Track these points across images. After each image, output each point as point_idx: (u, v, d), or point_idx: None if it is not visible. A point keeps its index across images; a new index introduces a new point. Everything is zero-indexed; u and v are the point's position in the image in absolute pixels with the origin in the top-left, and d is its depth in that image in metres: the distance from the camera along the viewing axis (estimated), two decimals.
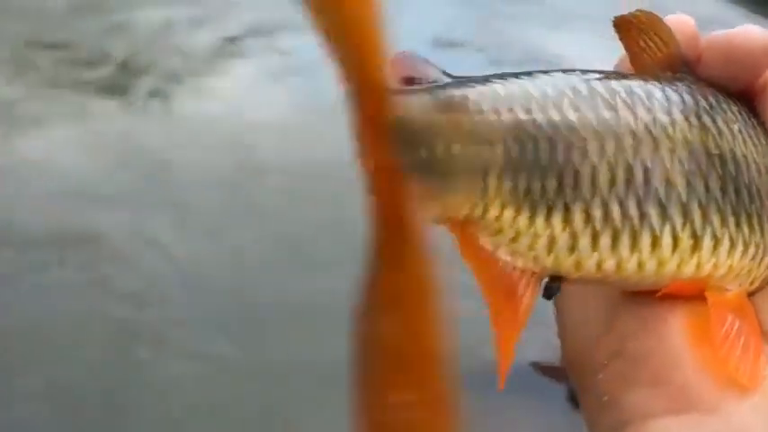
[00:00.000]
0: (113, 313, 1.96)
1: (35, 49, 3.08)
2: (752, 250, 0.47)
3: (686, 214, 0.44)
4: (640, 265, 0.44)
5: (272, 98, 2.86)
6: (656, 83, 0.46)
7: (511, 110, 0.41)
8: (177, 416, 1.75)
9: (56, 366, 1.83)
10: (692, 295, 0.46)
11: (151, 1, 3.42)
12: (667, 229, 0.44)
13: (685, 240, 0.44)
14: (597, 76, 0.45)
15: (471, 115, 0.41)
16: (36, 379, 1.80)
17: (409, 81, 0.41)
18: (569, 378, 0.51)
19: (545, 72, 0.45)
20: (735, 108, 0.49)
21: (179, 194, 2.35)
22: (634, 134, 0.43)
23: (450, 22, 3.61)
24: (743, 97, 0.50)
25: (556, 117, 0.42)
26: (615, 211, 0.43)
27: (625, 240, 0.43)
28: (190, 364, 1.86)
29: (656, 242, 0.44)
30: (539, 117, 0.41)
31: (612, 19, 0.47)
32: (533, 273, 0.42)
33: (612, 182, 0.42)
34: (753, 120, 0.49)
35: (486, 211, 0.41)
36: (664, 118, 0.45)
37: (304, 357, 1.85)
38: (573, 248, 0.42)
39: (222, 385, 1.83)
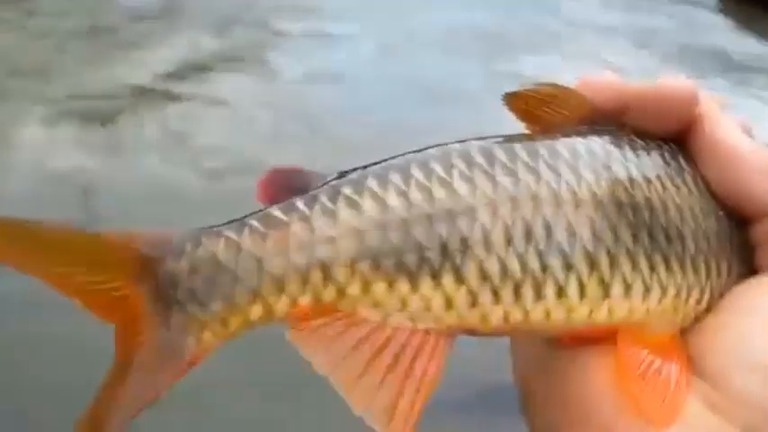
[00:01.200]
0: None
1: None
2: (671, 291, 0.49)
3: (593, 263, 0.47)
4: (547, 313, 0.46)
5: None
6: (565, 140, 0.50)
7: (376, 199, 0.45)
8: None
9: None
10: (607, 339, 0.48)
11: None
12: (573, 278, 0.46)
13: (593, 288, 0.47)
14: (500, 141, 0.49)
15: (297, 226, 0.44)
16: None
17: (284, 195, 0.45)
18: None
19: (443, 145, 0.48)
20: (659, 153, 0.52)
21: None
22: (534, 195, 0.47)
23: None
24: (675, 141, 0.53)
25: (438, 194, 0.45)
26: (514, 265, 0.45)
27: (528, 291, 0.46)
28: None
29: (561, 291, 0.46)
30: (414, 198, 0.45)
31: (503, 96, 0.49)
32: (439, 332, 0.45)
33: (509, 241, 0.46)
34: (681, 163, 0.52)
35: (341, 294, 0.44)
36: (568, 176, 0.48)
37: None
38: (474, 304, 0.45)
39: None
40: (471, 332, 0.46)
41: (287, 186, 0.45)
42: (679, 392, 0.47)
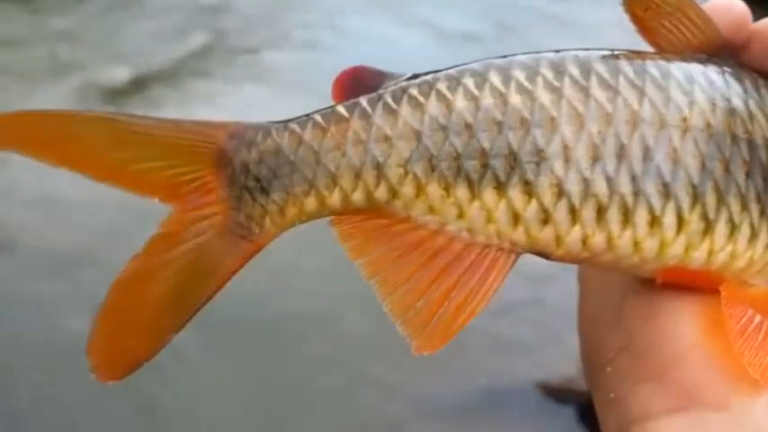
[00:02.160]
0: None
1: None
2: None
3: (697, 196, 0.42)
4: (636, 243, 0.42)
5: None
6: (680, 64, 0.45)
7: (443, 101, 0.43)
8: None
9: None
10: (704, 287, 0.43)
11: None
12: (670, 207, 0.42)
13: (694, 222, 0.42)
14: (604, 55, 0.45)
15: (356, 123, 0.43)
16: None
17: (357, 93, 0.44)
18: (584, 377, 0.49)
19: (537, 53, 0.45)
20: (753, 85, 0.46)
21: None
22: (633, 114, 0.43)
23: None
24: None
25: (514, 100, 0.43)
26: (599, 185, 0.42)
27: (614, 215, 0.42)
28: None
29: (654, 220, 0.42)
30: (485, 103, 0.43)
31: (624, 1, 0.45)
32: (500, 249, 0.43)
33: (595, 158, 0.42)
34: None
35: (394, 194, 0.43)
36: (680, 99, 0.43)
37: None
38: (546, 221, 0.42)
39: None
40: (541, 254, 0.43)
41: (362, 85, 0.44)
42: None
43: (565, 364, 2.19)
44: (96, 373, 0.42)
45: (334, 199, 0.43)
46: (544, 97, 0.43)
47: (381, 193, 0.43)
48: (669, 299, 0.44)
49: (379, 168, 0.43)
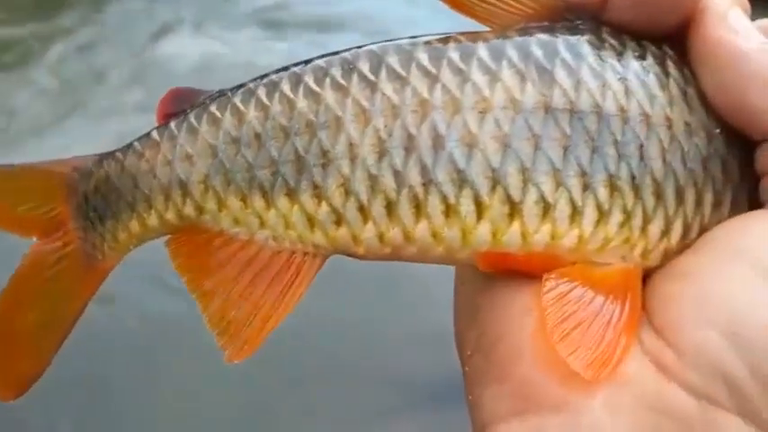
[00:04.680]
0: None
1: None
2: (615, 218, 0.41)
3: (497, 179, 0.41)
4: (435, 234, 0.41)
5: None
6: (494, 41, 0.43)
7: (237, 115, 0.44)
8: None
9: None
10: (538, 272, 0.41)
11: None
12: (467, 194, 0.41)
13: (495, 206, 0.41)
14: (403, 44, 0.43)
15: (165, 145, 0.45)
16: None
17: (172, 115, 0.46)
18: None
19: (337, 53, 0.44)
20: (636, 54, 0.43)
21: None
22: (423, 102, 0.42)
23: None
24: (671, 43, 0.44)
25: (300, 105, 0.43)
26: (386, 180, 0.41)
27: (405, 208, 0.41)
28: None
29: (450, 209, 0.41)
30: (273, 111, 0.43)
31: None
32: (306, 253, 0.43)
33: (381, 154, 0.41)
34: (668, 68, 0.43)
35: (201, 211, 0.44)
36: (480, 79, 0.41)
37: None
38: (339, 222, 0.42)
39: None
40: (346, 254, 0.43)
41: (181, 106, 0.46)
42: (616, 343, 0.39)
43: None
44: None
45: (153, 220, 0.45)
46: (330, 98, 0.42)
47: (189, 210, 0.44)
48: (511, 289, 0.41)
49: (183, 187, 0.44)
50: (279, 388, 1.62)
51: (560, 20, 0.44)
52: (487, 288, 0.42)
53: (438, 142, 0.41)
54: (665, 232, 0.42)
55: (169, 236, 0.45)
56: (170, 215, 0.45)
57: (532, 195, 0.41)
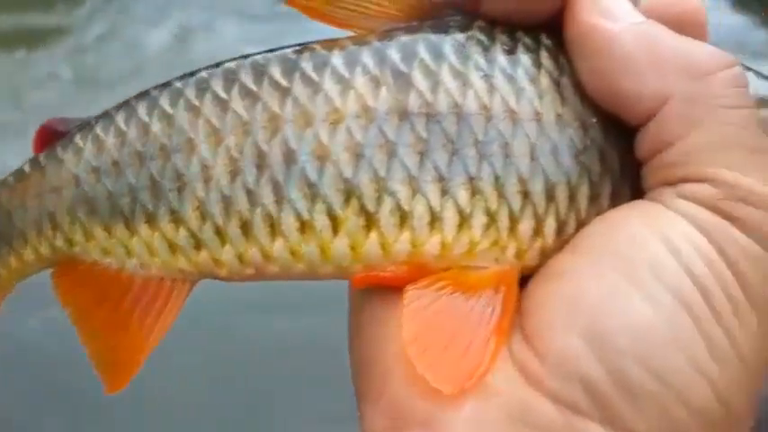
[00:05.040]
0: None
1: None
2: (480, 220, 0.40)
3: (350, 191, 0.39)
4: (293, 251, 0.40)
5: None
6: (351, 47, 0.41)
7: (96, 143, 0.43)
8: None
9: None
10: (407, 282, 0.39)
11: None
12: (320, 208, 0.40)
13: (351, 219, 0.39)
14: (254, 60, 0.42)
15: (34, 178, 0.45)
16: None
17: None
18: None
19: (194, 73, 0.43)
20: (505, 48, 0.41)
21: None
22: (274, 117, 0.40)
23: None
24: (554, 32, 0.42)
25: (154, 129, 0.42)
26: (240, 200, 0.40)
27: (260, 228, 0.40)
28: None
29: (305, 225, 0.40)
30: (130, 137, 0.42)
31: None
32: (174, 279, 0.43)
33: (234, 173, 0.40)
34: (541, 58, 0.41)
35: (70, 243, 0.44)
36: (333, 89, 0.40)
37: None
38: (198, 246, 0.41)
39: None
40: (213, 277, 0.42)
41: (54, 138, 0.45)
42: (482, 352, 0.37)
43: None
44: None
45: (29, 255, 0.45)
46: (183, 120, 0.42)
47: (60, 243, 0.44)
48: (387, 305, 0.40)
49: (53, 219, 0.44)
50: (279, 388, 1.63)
51: (430, 18, 0.42)
52: (366, 304, 0.41)
53: (290, 157, 0.40)
54: (538, 231, 0.40)
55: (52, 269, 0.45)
56: (44, 249, 0.44)
57: (388, 205, 0.39)
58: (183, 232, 0.41)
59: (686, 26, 0.42)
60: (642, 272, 0.37)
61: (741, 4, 3.97)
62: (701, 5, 0.43)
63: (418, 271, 0.40)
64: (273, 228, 0.40)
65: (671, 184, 0.39)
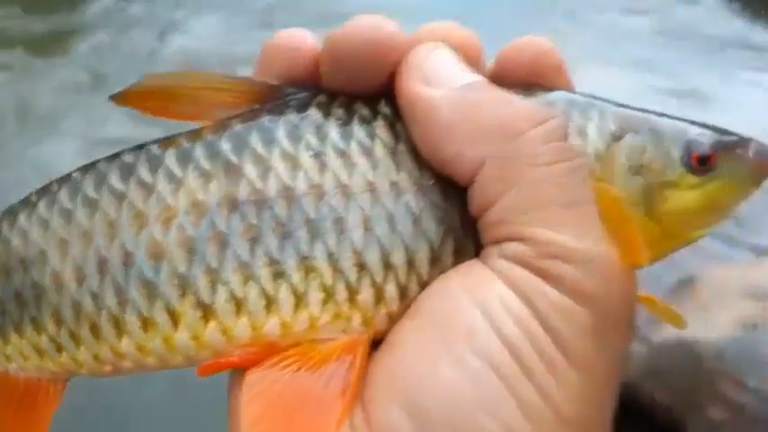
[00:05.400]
0: None
1: None
2: (317, 296, 0.41)
3: (185, 285, 0.42)
4: (141, 348, 0.43)
5: None
6: (184, 145, 0.43)
7: None
8: None
9: None
10: (251, 365, 0.41)
11: None
12: (158, 306, 0.42)
13: (189, 312, 0.42)
14: (96, 168, 0.45)
15: None
16: None
17: None
18: None
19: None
20: (338, 123, 0.43)
21: None
22: (110, 223, 0.43)
23: None
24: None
25: (15, 242, 0.45)
26: (87, 304, 0.43)
27: (108, 329, 0.43)
28: None
29: (147, 322, 0.42)
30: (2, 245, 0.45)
31: (110, 98, 0.44)
32: (48, 379, 0.46)
33: (81, 279, 0.43)
34: (374, 128, 0.43)
35: None
36: (164, 188, 0.43)
37: None
38: (60, 349, 0.44)
39: None
40: (78, 375, 0.45)
41: None
42: (324, 428, 0.38)
43: None
44: None
45: None
46: (35, 233, 0.45)
47: None
48: (238, 389, 0.41)
49: None
50: None
51: (272, 99, 0.43)
52: (234, 388, 0.43)
53: (128, 260, 0.42)
54: (379, 299, 0.41)
55: None
56: None
57: (222, 295, 0.41)
58: (44, 337, 0.44)
59: (541, 68, 0.44)
60: (454, 338, 0.38)
61: (746, 3, 3.96)
62: (553, 46, 0.44)
63: (268, 350, 0.41)
64: (119, 327, 0.43)
65: (497, 242, 0.40)
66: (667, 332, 2.01)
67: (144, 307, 0.42)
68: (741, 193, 0.45)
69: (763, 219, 2.69)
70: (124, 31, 3.34)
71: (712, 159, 0.45)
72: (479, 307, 0.39)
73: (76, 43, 3.35)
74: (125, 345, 0.43)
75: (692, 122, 0.46)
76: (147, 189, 0.43)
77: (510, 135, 0.40)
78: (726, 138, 0.46)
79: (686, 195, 0.44)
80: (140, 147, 0.44)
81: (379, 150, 0.42)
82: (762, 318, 1.95)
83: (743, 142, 0.46)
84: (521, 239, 0.39)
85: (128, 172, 0.43)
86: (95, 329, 0.43)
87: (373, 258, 0.41)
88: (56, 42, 3.34)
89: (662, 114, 0.46)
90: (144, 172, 0.43)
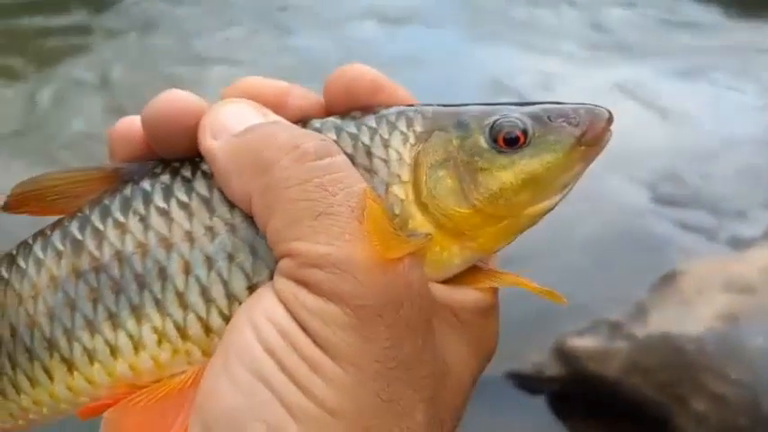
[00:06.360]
0: None
1: None
2: (151, 339, 0.46)
3: (52, 345, 0.48)
4: (36, 402, 0.49)
5: None
6: (49, 233, 0.50)
7: None
8: None
9: None
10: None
11: None
12: (37, 366, 0.49)
13: (57, 366, 0.48)
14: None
15: None
16: None
17: None
18: None
19: None
20: (162, 186, 0.48)
21: None
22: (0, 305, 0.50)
23: None
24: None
25: None
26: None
27: (9, 389, 0.50)
28: None
29: (33, 381, 0.49)
30: None
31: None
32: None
33: None
34: (193, 181, 0.48)
35: None
36: (31, 270, 0.49)
37: None
38: None
39: None
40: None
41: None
42: None
43: (534, 352, 2.19)
44: None
45: None
46: None
47: None
48: None
49: None
50: None
51: (119, 178, 0.49)
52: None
53: (14, 332, 0.49)
54: (208, 330, 0.46)
55: None
56: None
57: (77, 348, 0.47)
58: None
59: (356, 91, 0.48)
60: (231, 357, 0.43)
61: (749, 4, 4.03)
62: (366, 70, 0.49)
63: (131, 390, 0.47)
64: (16, 387, 0.49)
65: (276, 262, 0.45)
66: (651, 327, 2.03)
67: (28, 369, 0.49)
68: (567, 161, 0.48)
69: (743, 212, 2.73)
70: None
71: (523, 137, 0.47)
72: (250, 323, 0.44)
73: None
74: (24, 401, 0.50)
75: (521, 104, 0.49)
76: (21, 273, 0.50)
77: (265, 167, 0.44)
78: (543, 113, 0.48)
79: (499, 176, 0.47)
80: (25, 240, 0.51)
81: (195, 203, 0.48)
82: (743, 310, 1.99)
83: (568, 112, 0.48)
84: (288, 255, 0.44)
85: (9, 262, 0.51)
86: (1, 391, 0.50)
87: (195, 297, 0.46)
88: None
89: (484, 104, 0.49)
90: (20, 260, 0.50)
